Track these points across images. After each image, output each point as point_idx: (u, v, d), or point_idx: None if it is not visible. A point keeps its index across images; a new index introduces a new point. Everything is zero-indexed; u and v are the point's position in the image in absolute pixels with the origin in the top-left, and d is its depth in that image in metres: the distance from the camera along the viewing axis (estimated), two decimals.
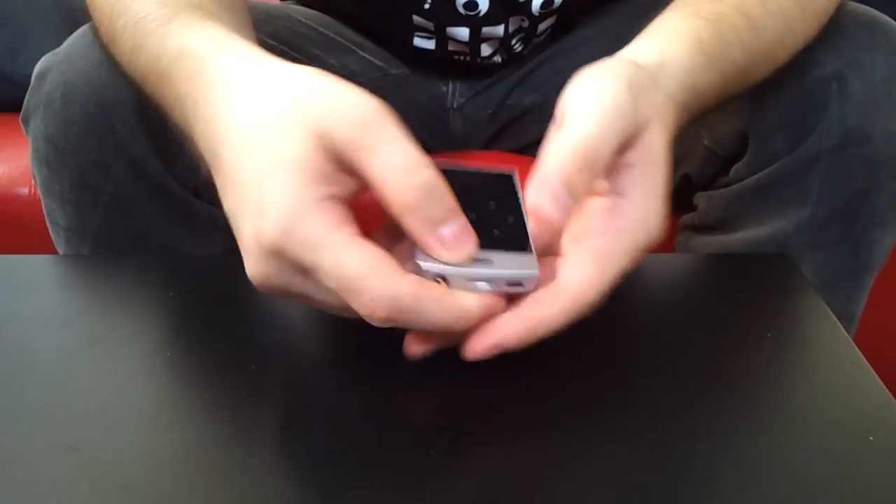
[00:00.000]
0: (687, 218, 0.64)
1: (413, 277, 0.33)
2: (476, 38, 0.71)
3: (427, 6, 0.69)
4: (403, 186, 0.33)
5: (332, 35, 0.75)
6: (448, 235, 0.34)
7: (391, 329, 0.34)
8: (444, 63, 0.75)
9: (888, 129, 0.53)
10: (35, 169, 0.57)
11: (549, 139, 0.36)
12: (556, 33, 0.75)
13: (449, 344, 0.36)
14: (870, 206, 0.56)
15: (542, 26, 0.73)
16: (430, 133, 0.79)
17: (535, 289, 0.35)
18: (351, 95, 0.34)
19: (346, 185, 0.35)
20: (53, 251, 0.60)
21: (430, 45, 0.73)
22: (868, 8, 0.54)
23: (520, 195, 0.38)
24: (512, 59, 0.75)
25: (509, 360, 0.34)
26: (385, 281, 0.33)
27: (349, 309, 0.34)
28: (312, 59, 0.71)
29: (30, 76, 0.57)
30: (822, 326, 0.42)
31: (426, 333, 0.36)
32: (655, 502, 0.31)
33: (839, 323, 0.41)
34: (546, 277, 0.36)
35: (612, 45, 0.72)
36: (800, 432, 0.35)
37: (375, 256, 0.33)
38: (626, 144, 0.36)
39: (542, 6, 0.71)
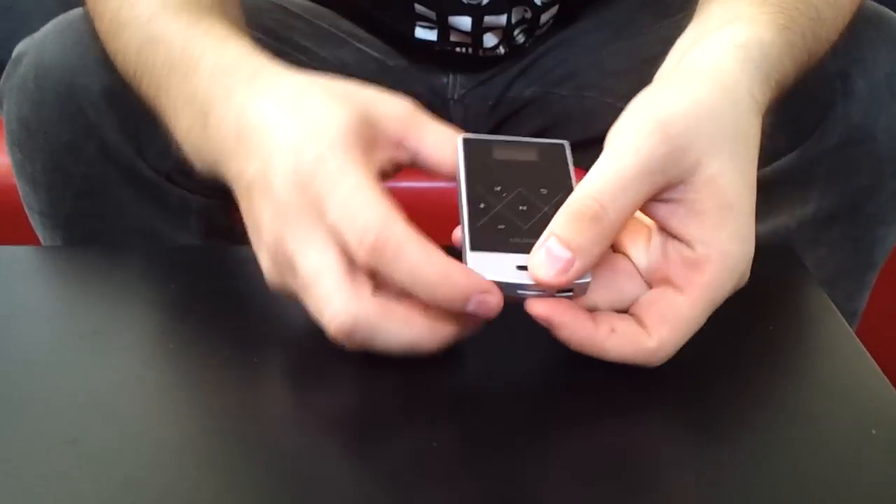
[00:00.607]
0: None
1: (413, 228, 0.33)
2: (478, 28, 0.70)
3: None
4: None
5: (325, 26, 0.74)
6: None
7: None
8: (445, 55, 0.74)
9: (892, 127, 0.52)
10: (9, 152, 0.58)
11: None
12: (558, 25, 0.75)
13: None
14: (873, 204, 0.55)
15: (544, 17, 0.73)
16: None
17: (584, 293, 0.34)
18: (384, 92, 0.38)
19: (382, 165, 0.37)
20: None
21: (431, 35, 0.72)
22: (872, 2, 0.54)
23: (572, 173, 0.37)
24: (514, 51, 0.75)
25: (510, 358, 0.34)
26: (384, 210, 0.33)
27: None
28: (303, 51, 0.70)
29: None
30: (824, 319, 0.41)
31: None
32: (657, 495, 0.31)
33: (842, 316, 0.41)
34: (602, 277, 0.35)
35: (613, 37, 0.72)
36: (801, 425, 0.34)
37: (387, 197, 0.34)
38: (669, 186, 0.34)
39: None
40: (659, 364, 0.35)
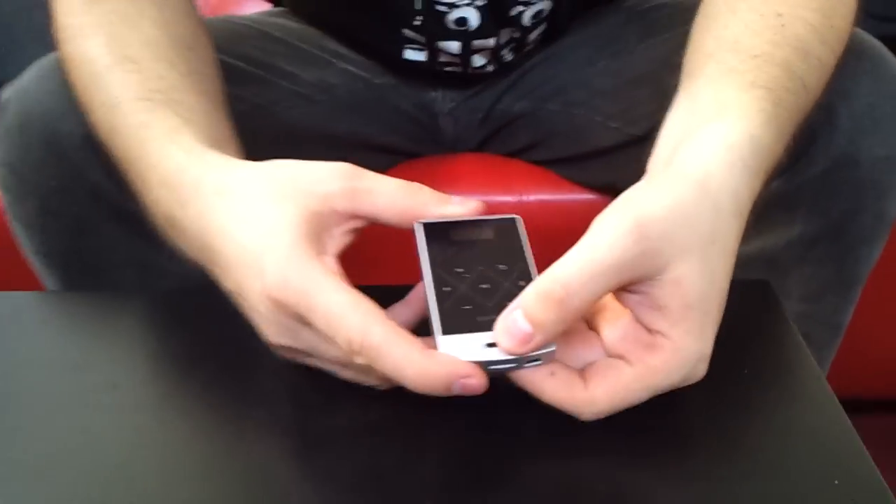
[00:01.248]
0: None
1: (389, 323, 0.35)
2: (467, 51, 0.71)
3: (417, 22, 0.69)
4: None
5: (308, 49, 0.74)
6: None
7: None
8: (433, 73, 0.75)
9: (874, 154, 0.53)
10: (3, 196, 0.59)
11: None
12: (545, 40, 0.75)
13: None
14: (857, 226, 0.56)
15: (532, 36, 0.73)
16: (417, 139, 0.79)
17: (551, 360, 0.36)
18: (324, 165, 0.39)
19: (340, 240, 0.39)
20: None
21: (420, 56, 0.73)
22: (856, 30, 0.54)
23: (526, 246, 0.40)
24: (502, 68, 0.75)
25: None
26: (360, 317, 0.35)
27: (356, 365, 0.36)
28: (286, 76, 0.70)
29: None
30: (796, 362, 0.42)
31: None
32: None
33: (812, 358, 0.42)
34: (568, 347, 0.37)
35: (599, 51, 0.73)
36: (764, 473, 0.35)
37: (359, 299, 0.36)
38: (639, 281, 0.35)
39: (533, 16, 0.70)
40: (589, 419, 0.36)
